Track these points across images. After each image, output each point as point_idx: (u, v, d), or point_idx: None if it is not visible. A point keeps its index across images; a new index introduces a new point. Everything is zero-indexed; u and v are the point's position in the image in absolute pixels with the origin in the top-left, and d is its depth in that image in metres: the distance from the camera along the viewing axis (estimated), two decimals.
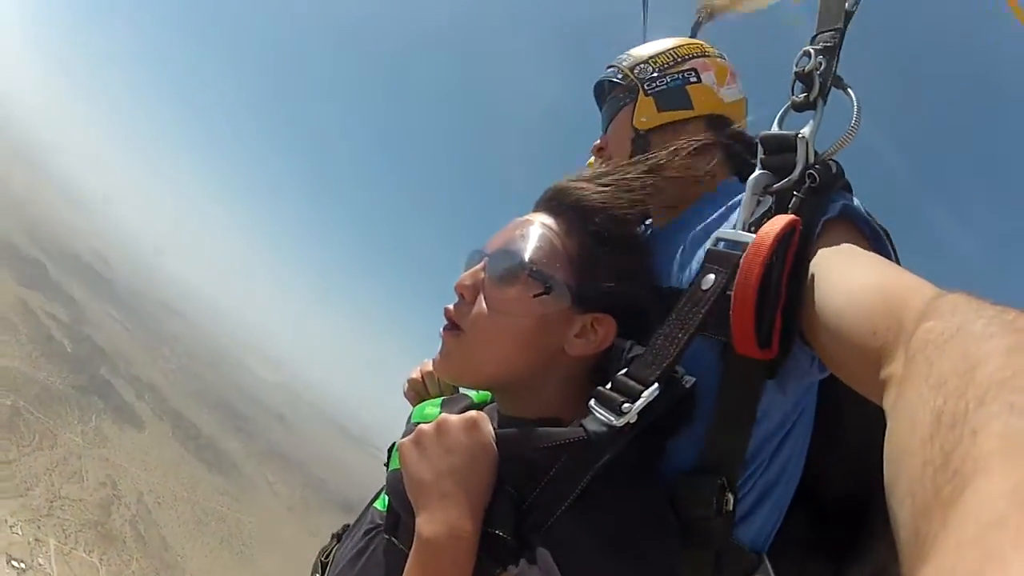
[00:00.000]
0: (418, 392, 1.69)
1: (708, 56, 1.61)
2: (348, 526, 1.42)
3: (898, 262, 1.11)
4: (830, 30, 1.22)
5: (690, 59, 1.59)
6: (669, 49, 1.61)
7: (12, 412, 74.97)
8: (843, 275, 1.01)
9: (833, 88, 1.21)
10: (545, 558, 0.94)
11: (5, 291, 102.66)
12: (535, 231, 1.20)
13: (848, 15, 1.21)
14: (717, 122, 1.53)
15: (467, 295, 1.20)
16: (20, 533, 60.18)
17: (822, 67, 1.19)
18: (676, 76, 1.56)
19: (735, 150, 1.51)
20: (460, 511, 1.01)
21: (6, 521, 59.64)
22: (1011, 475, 0.37)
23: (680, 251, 1.35)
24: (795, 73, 1.23)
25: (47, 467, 73.38)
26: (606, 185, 1.23)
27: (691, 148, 1.36)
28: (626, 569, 0.93)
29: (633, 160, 1.35)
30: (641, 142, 1.54)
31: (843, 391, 0.96)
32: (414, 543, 1.03)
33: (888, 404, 0.69)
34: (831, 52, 1.21)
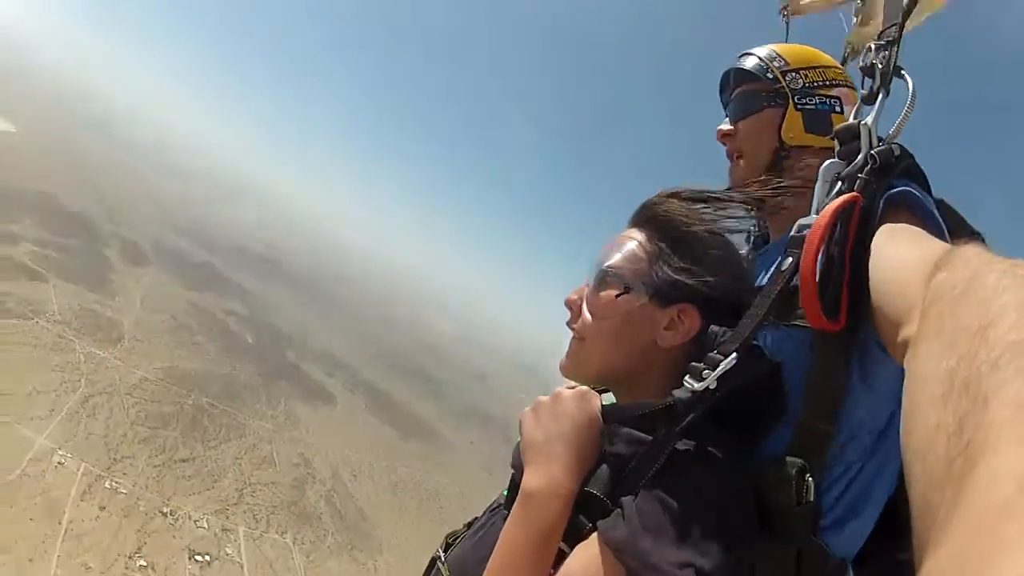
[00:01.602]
0: None
1: (849, 87, 1.69)
2: (477, 517, 1.56)
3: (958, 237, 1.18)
4: (892, 25, 1.33)
5: (837, 86, 1.68)
6: (820, 67, 1.69)
7: (195, 410, 78.83)
8: (889, 251, 1.09)
9: (895, 78, 1.31)
10: (631, 510, 1.06)
11: (176, 298, 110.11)
12: (620, 241, 1.38)
13: (906, 12, 1.31)
14: None
15: (574, 307, 1.39)
16: (206, 526, 62.06)
17: (884, 60, 1.31)
18: (824, 100, 1.64)
19: None
20: (563, 469, 1.15)
21: (189, 516, 61.68)
22: (1021, 454, 0.37)
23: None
24: (860, 68, 1.36)
25: (236, 456, 76.19)
26: (689, 208, 1.35)
27: (792, 190, 1.49)
28: (697, 533, 1.00)
29: (729, 192, 1.45)
30: (783, 154, 1.63)
31: None
32: (518, 495, 1.18)
33: (906, 363, 0.70)
34: (892, 45, 1.31)
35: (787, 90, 1.62)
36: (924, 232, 1.14)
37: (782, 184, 1.48)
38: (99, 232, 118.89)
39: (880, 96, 1.31)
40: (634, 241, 1.35)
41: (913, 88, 1.28)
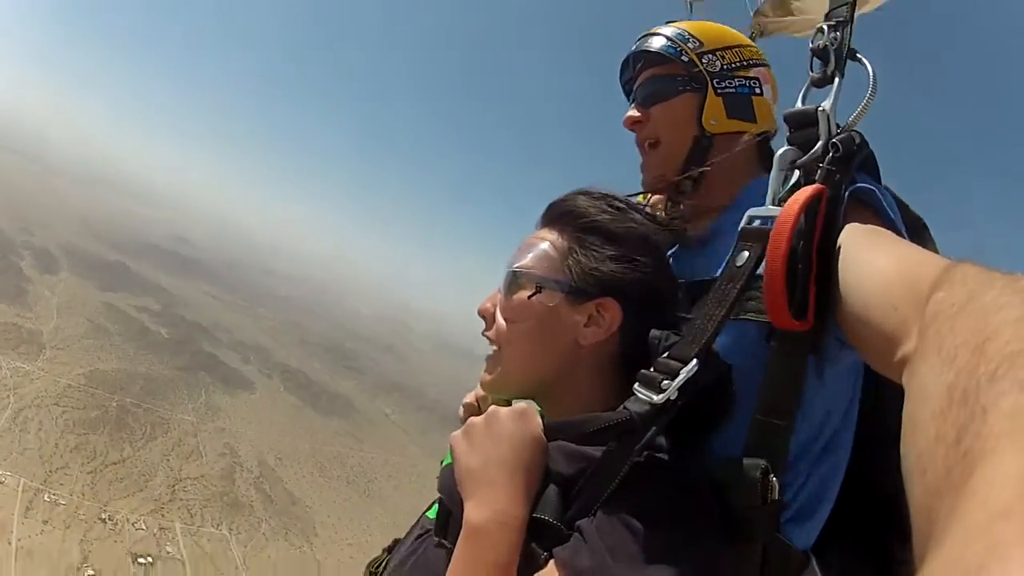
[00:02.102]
0: (472, 415, 1.68)
1: (766, 66, 1.60)
2: (399, 540, 1.44)
3: (921, 238, 1.17)
4: (842, 4, 1.26)
5: (755, 65, 1.57)
6: (736, 46, 1.58)
7: (119, 411, 78.38)
8: (864, 254, 1.05)
9: (849, 61, 1.25)
10: (592, 535, 0.97)
11: (90, 300, 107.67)
12: (528, 243, 1.30)
13: None
14: (765, 140, 1.55)
15: (487, 316, 1.32)
16: (144, 527, 63.13)
17: (836, 41, 1.25)
18: (743, 82, 1.54)
19: (767, 149, 1.54)
20: (508, 497, 1.03)
21: (127, 519, 62.42)
22: (1018, 460, 0.37)
23: (725, 249, 1.34)
24: (811, 50, 1.29)
25: (164, 453, 76.65)
26: (605, 210, 1.27)
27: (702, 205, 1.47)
28: (666, 550, 0.94)
29: (643, 213, 1.34)
30: (705, 143, 1.52)
31: (887, 393, 0.94)
32: (462, 530, 1.05)
33: (905, 380, 0.70)
34: (844, 26, 1.25)
35: (704, 74, 1.50)
36: (894, 235, 1.11)
37: (682, 212, 1.46)
38: (12, 244, 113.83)
39: (836, 80, 1.24)
40: (544, 241, 1.27)
41: (874, 73, 1.21)
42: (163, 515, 66.82)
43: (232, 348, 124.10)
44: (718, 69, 1.52)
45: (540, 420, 1.14)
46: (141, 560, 58.77)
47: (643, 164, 1.62)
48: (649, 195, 1.68)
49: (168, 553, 62.51)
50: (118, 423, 75.98)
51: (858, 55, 1.26)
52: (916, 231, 1.28)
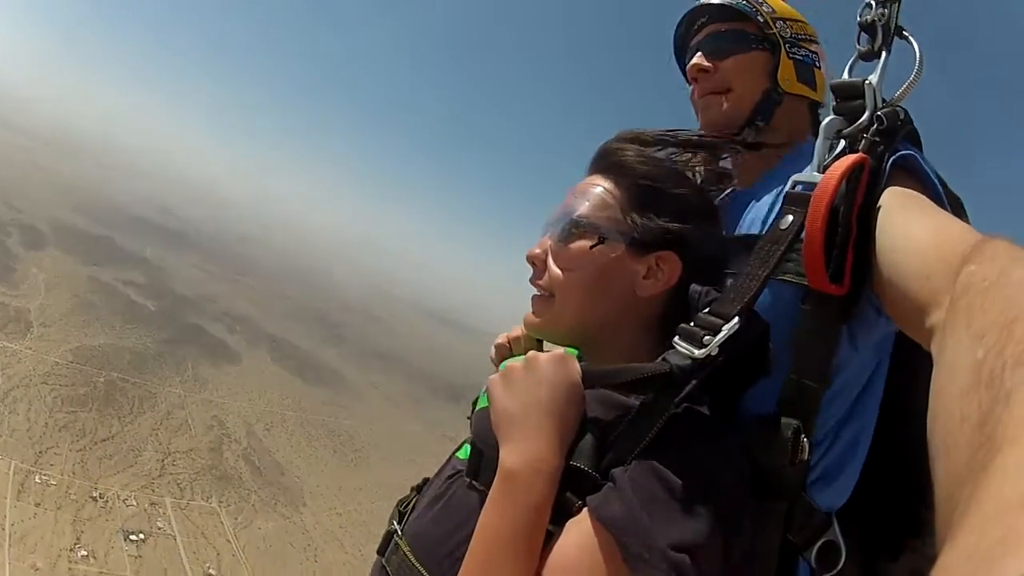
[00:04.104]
0: (504, 357, 1.68)
1: (820, 44, 1.64)
2: (428, 479, 1.43)
3: (959, 214, 1.17)
4: None
5: (815, 42, 1.62)
6: (799, 21, 1.61)
7: (107, 387, 77.94)
8: (901, 220, 1.07)
9: (897, 39, 1.26)
10: (625, 485, 0.97)
11: (75, 274, 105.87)
12: (585, 190, 1.30)
13: None
14: (816, 111, 1.60)
15: (538, 263, 1.31)
16: (135, 503, 63.32)
17: (884, 17, 1.26)
18: (808, 54, 1.59)
19: (816, 118, 1.58)
20: (545, 443, 1.03)
21: (118, 496, 62.67)
22: None
23: (770, 207, 1.38)
24: (859, 24, 1.29)
25: (152, 428, 76.44)
26: (653, 156, 1.30)
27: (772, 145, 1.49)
28: (697, 504, 0.94)
29: (704, 136, 1.42)
30: (775, 98, 1.55)
31: (921, 365, 0.96)
32: (496, 475, 1.05)
33: (934, 351, 0.71)
34: (892, 1, 1.26)
35: (778, 37, 1.54)
36: (933, 204, 1.12)
37: (761, 143, 1.49)
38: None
39: (883, 55, 1.26)
40: (600, 187, 1.28)
41: (921, 53, 1.22)
42: (153, 491, 66.97)
43: (218, 319, 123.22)
44: (789, 36, 1.56)
45: (579, 367, 1.13)
46: (132, 537, 58.88)
47: (704, 113, 1.63)
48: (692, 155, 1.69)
49: (160, 529, 62.75)
50: (106, 399, 75.68)
51: (905, 33, 1.26)
52: (955, 208, 1.27)
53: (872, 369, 1.28)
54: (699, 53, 1.62)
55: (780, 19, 1.57)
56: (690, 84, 1.68)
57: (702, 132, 1.51)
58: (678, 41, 1.75)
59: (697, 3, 1.66)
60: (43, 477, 57.51)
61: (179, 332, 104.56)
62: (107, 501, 60.80)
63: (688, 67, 1.64)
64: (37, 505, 53.94)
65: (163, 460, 72.72)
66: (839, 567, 1.19)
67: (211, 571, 60.81)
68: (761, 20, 1.55)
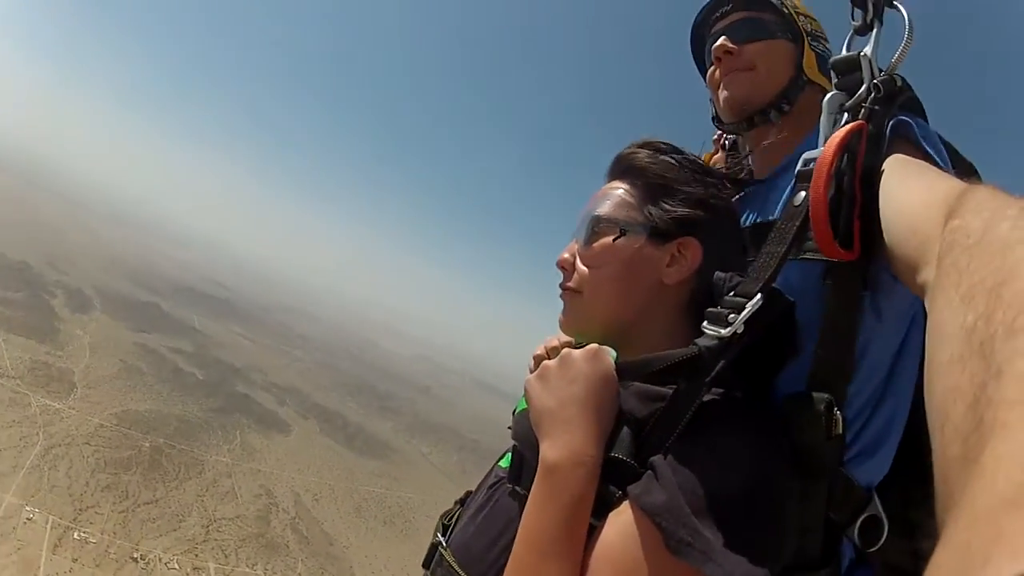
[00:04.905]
0: None
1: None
2: (471, 492, 1.47)
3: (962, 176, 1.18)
4: None
5: (826, 40, 1.67)
6: (816, 20, 1.68)
7: (153, 452, 77.73)
8: (896, 181, 1.09)
9: (887, 9, 1.29)
10: (665, 472, 0.97)
11: (123, 341, 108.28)
12: (603, 193, 1.35)
13: None
14: None
15: (567, 266, 1.34)
16: (177, 567, 61.85)
17: None
18: (825, 50, 1.64)
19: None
20: (583, 437, 1.05)
21: (159, 558, 61.30)
22: None
23: (790, 190, 1.37)
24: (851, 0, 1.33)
25: (198, 494, 75.63)
26: (664, 158, 1.33)
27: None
28: (737, 487, 0.95)
29: (709, 168, 1.42)
30: (800, 85, 1.60)
31: None
32: (538, 471, 1.07)
33: (927, 307, 0.70)
34: None
35: (802, 30, 1.60)
36: (931, 166, 1.13)
37: (743, 172, 1.51)
38: (43, 282, 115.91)
39: (876, 27, 1.29)
40: (619, 189, 1.33)
41: (910, 18, 1.24)
42: (196, 555, 65.41)
43: (266, 389, 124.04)
44: (810, 30, 1.62)
45: (612, 361, 1.16)
46: None
47: (726, 88, 1.65)
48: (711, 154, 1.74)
49: None
50: (151, 463, 75.31)
51: (894, 2, 1.28)
52: (967, 173, 1.28)
53: (900, 340, 1.26)
54: (724, 36, 1.65)
55: (802, 14, 1.63)
56: (709, 68, 1.72)
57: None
58: (696, 30, 1.78)
59: None
60: (82, 534, 56.78)
61: (227, 401, 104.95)
62: (148, 563, 59.38)
63: (714, 47, 1.66)
64: (74, 560, 53.06)
65: (208, 526, 71.29)
66: (881, 542, 1.18)
67: None
68: (786, 12, 1.60)
